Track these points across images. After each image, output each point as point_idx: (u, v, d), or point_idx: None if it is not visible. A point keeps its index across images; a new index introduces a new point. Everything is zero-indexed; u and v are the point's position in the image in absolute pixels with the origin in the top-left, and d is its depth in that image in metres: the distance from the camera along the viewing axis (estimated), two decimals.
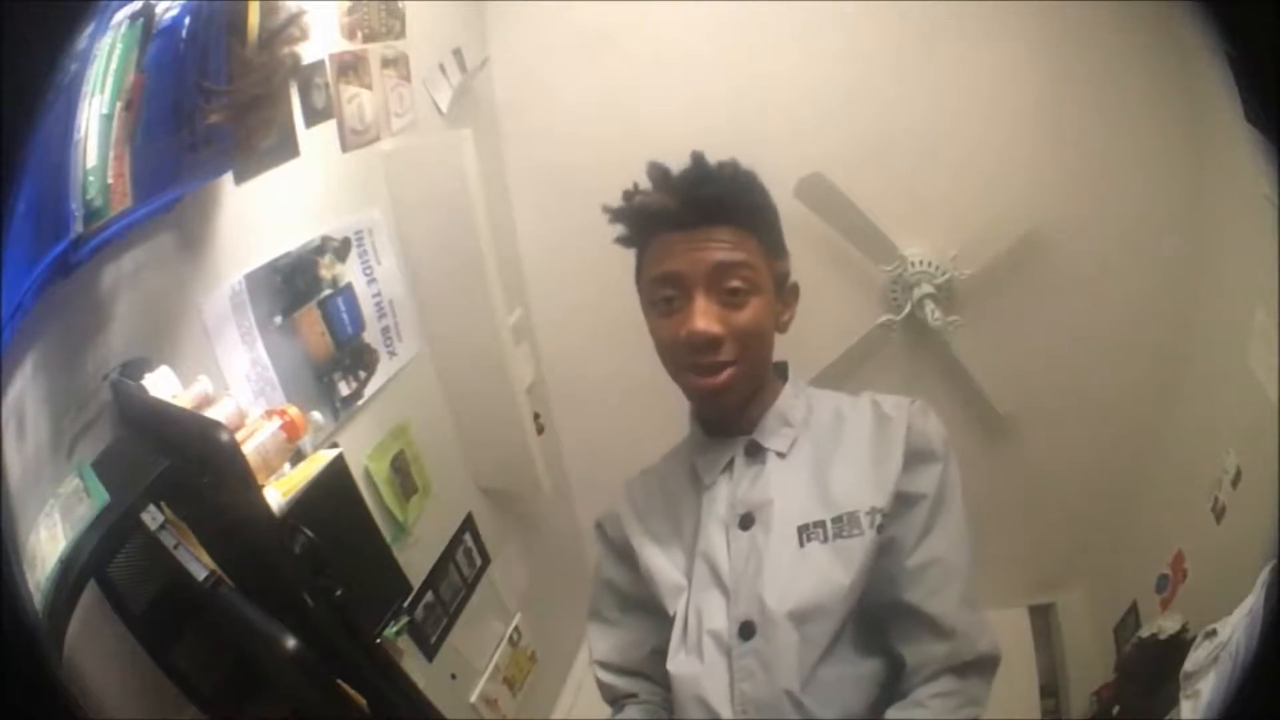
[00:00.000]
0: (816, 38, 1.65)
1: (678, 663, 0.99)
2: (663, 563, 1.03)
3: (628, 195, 0.98)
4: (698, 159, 0.95)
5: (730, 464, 1.02)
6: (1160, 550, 1.41)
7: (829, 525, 0.95)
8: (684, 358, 0.95)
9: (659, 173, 0.96)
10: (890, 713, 0.94)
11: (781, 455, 1.01)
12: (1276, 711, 0.63)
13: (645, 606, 1.06)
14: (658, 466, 1.12)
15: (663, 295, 0.95)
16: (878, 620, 0.97)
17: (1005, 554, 1.79)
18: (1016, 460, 1.83)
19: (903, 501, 0.96)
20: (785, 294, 1.01)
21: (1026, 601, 1.86)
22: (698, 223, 0.94)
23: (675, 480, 1.08)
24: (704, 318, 0.92)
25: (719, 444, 1.04)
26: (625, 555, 1.08)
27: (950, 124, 1.65)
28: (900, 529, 0.95)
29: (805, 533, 0.96)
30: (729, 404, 0.99)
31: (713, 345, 0.93)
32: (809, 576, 0.94)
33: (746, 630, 0.95)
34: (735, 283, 0.93)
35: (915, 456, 0.97)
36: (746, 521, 0.99)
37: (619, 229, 0.99)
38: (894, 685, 0.96)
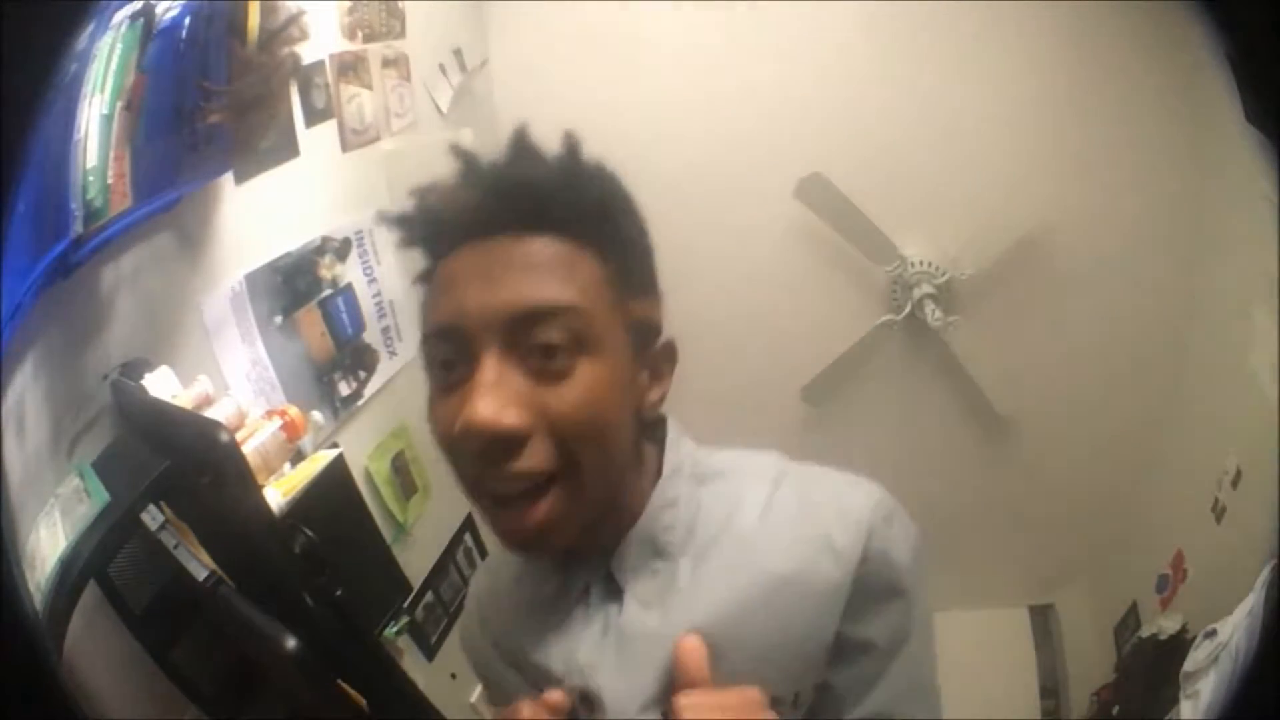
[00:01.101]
0: (817, 38, 1.65)
1: None
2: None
3: (413, 205, 0.64)
4: (517, 135, 0.61)
5: (585, 592, 0.67)
6: (1160, 550, 1.41)
7: None
8: (469, 468, 0.59)
9: (463, 157, 0.62)
10: None
11: (646, 604, 0.65)
12: (1276, 711, 0.63)
13: None
14: (504, 576, 0.75)
15: (440, 358, 0.60)
16: None
17: (1005, 554, 1.79)
18: (1016, 460, 1.83)
19: (844, 647, 0.65)
20: (653, 357, 0.65)
21: (1026, 601, 1.85)
22: (500, 227, 0.59)
23: (522, 600, 0.71)
24: (492, 399, 0.55)
25: (569, 568, 0.67)
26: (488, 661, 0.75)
27: (950, 124, 1.65)
28: (839, 679, 0.66)
29: None
30: (551, 552, 0.65)
31: (508, 446, 0.56)
32: None
33: None
34: (552, 337, 0.57)
35: (868, 593, 0.64)
36: (586, 703, 0.65)
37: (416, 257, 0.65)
38: None
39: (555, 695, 0.61)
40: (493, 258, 0.59)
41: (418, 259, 0.65)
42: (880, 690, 0.67)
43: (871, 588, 0.64)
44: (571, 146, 0.61)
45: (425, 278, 0.64)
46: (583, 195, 0.61)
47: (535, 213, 0.59)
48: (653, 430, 0.69)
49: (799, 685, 0.65)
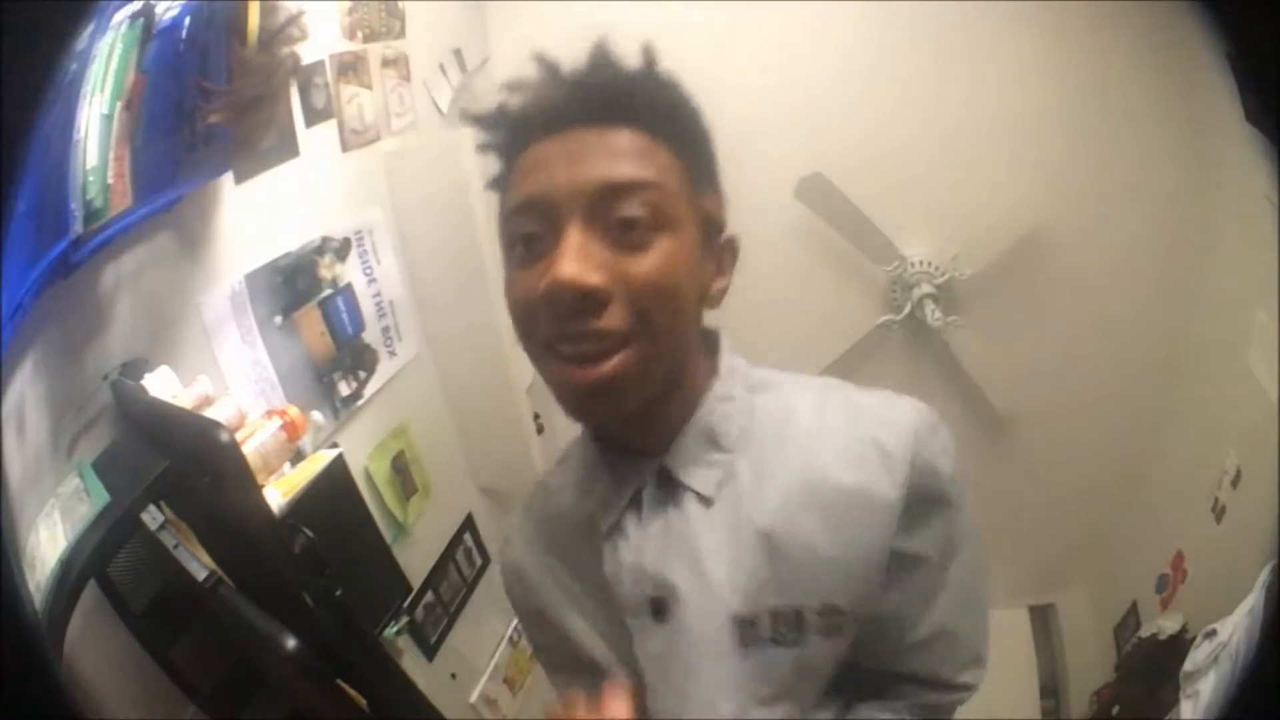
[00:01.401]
0: (817, 38, 1.65)
1: None
2: (584, 638, 0.74)
3: (498, 103, 0.67)
4: (599, 45, 0.66)
5: (637, 499, 0.69)
6: (1160, 550, 1.41)
7: (773, 621, 0.66)
8: (547, 326, 0.62)
9: (546, 64, 0.66)
10: (865, 711, 0.73)
11: (706, 500, 0.67)
12: (1276, 711, 0.63)
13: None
14: (552, 485, 0.79)
15: (523, 231, 0.63)
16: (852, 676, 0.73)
17: (1005, 554, 1.78)
18: (1016, 460, 1.83)
19: (899, 564, 0.67)
20: (718, 250, 0.69)
21: (1026, 601, 1.85)
22: (586, 120, 0.63)
23: (569, 512, 0.75)
24: (577, 259, 0.59)
25: (618, 466, 0.70)
26: (542, 621, 0.78)
27: (951, 124, 1.65)
28: (896, 597, 0.69)
29: (742, 630, 0.66)
30: (616, 409, 0.64)
31: (589, 305, 0.60)
32: (752, 691, 0.67)
33: None
34: (634, 210, 0.61)
35: (918, 505, 0.66)
36: (659, 609, 0.68)
37: (493, 162, 0.68)
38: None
39: (615, 694, 0.63)
40: (577, 144, 0.62)
41: (493, 162, 0.68)
42: (938, 607, 0.70)
43: (921, 498, 0.67)
44: (649, 56, 0.67)
45: (500, 182, 0.67)
46: (660, 95, 0.66)
47: (616, 107, 0.63)
48: (706, 340, 0.72)
49: (856, 597, 0.67)
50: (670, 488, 0.69)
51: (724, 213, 0.70)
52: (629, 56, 0.66)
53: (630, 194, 0.61)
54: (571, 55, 0.66)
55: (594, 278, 0.59)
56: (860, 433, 0.68)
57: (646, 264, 0.61)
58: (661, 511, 0.69)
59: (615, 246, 0.61)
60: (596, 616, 0.74)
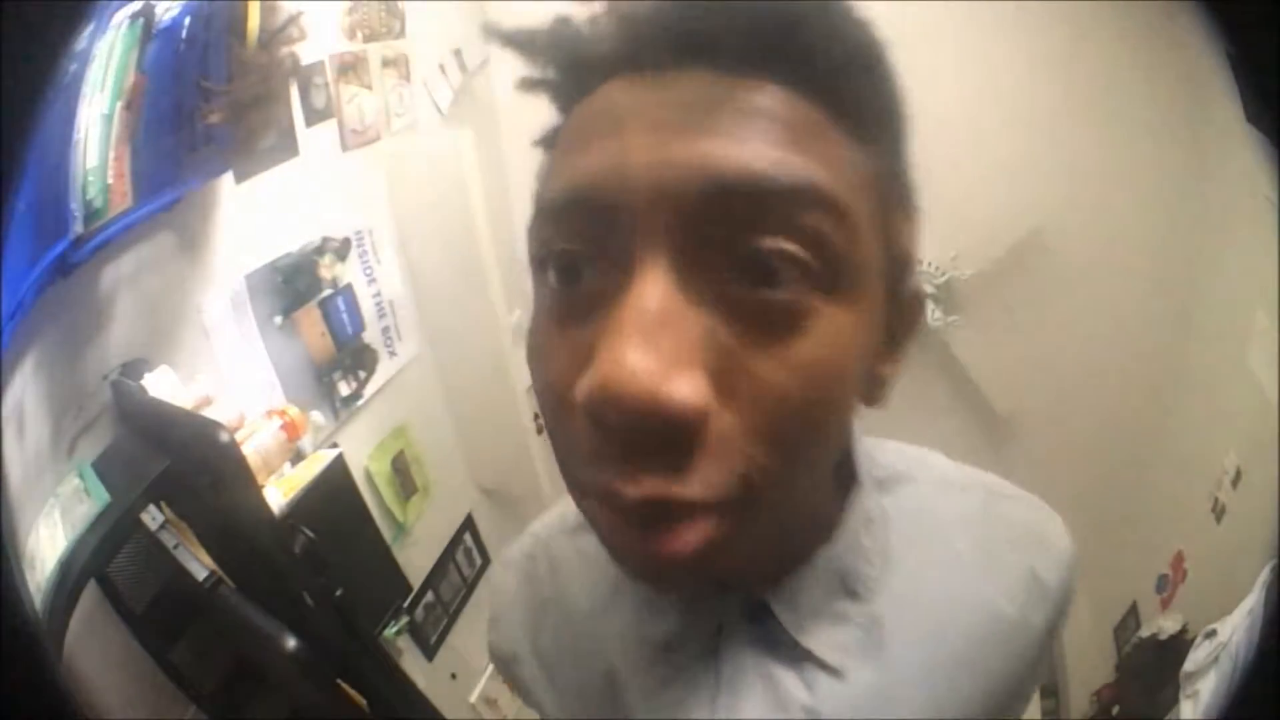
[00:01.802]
0: None
1: None
2: None
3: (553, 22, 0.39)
4: None
5: (718, 634, 0.46)
6: (1160, 550, 1.41)
7: None
8: (588, 457, 0.37)
9: None
10: None
11: (835, 673, 0.45)
12: (1276, 711, 0.63)
13: None
14: (571, 572, 0.54)
15: (557, 249, 0.40)
16: None
17: None
18: (1016, 460, 1.82)
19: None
20: (902, 308, 0.46)
21: None
22: (693, 57, 0.34)
23: (601, 624, 0.51)
24: (651, 343, 0.32)
25: (692, 604, 0.46)
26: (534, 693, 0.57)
27: (949, 124, 1.65)
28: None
29: None
30: (696, 584, 0.43)
31: (670, 439, 0.33)
32: None
33: None
34: (781, 241, 0.34)
35: (1053, 632, 0.51)
36: None
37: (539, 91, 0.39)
38: None
39: None
40: (677, 96, 0.33)
41: (544, 109, 0.40)
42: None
43: (1057, 629, 0.47)
44: None
45: (551, 141, 0.39)
46: (835, 32, 0.37)
47: (754, 41, 0.33)
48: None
49: None
50: (770, 634, 0.45)
51: (917, 246, 0.39)
52: None
53: (778, 209, 0.33)
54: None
55: (685, 391, 0.32)
56: (1018, 558, 0.49)
57: (789, 367, 0.33)
58: (759, 667, 0.44)
59: (737, 321, 0.33)
60: None
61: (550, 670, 0.52)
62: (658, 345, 0.30)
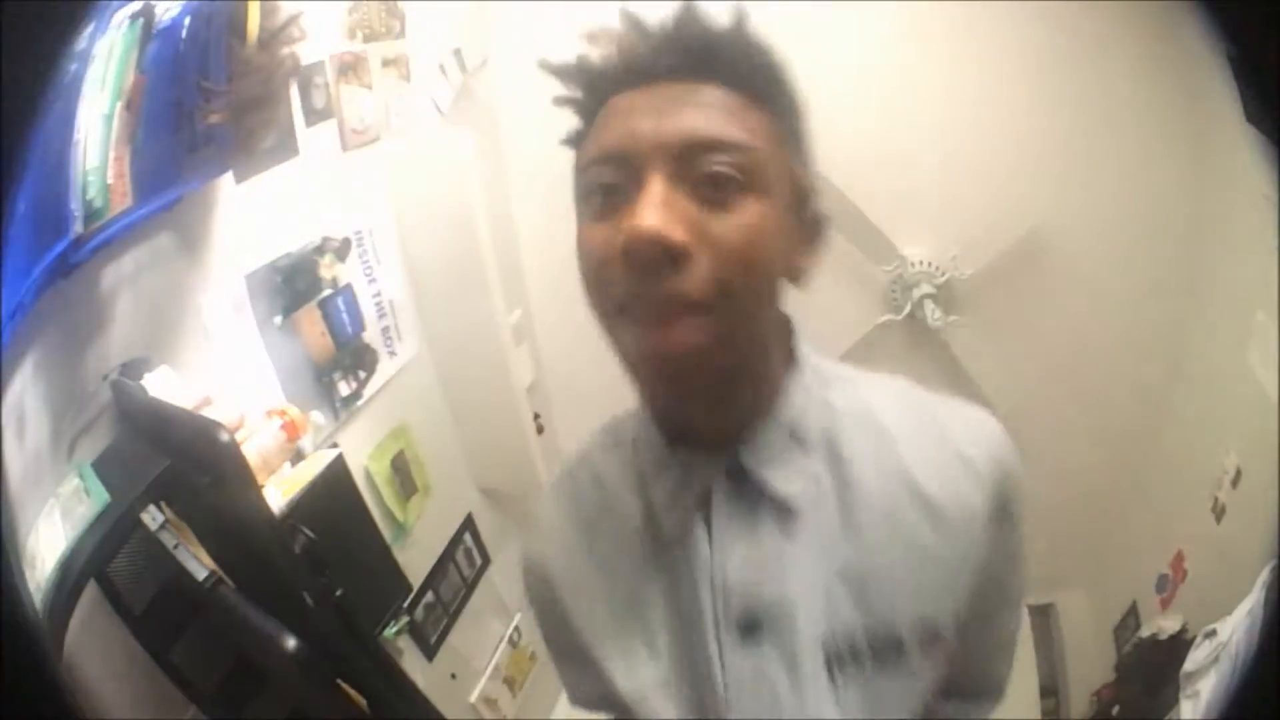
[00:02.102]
0: (815, 38, 1.65)
1: None
2: (614, 665, 0.65)
3: (579, 55, 0.63)
4: (687, 4, 0.60)
5: (706, 499, 0.62)
6: (1160, 550, 1.41)
7: (867, 648, 0.60)
8: (621, 285, 0.55)
9: (630, 18, 0.61)
10: None
11: (791, 512, 0.61)
12: (1276, 711, 0.63)
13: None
14: (595, 465, 0.71)
15: (601, 181, 0.58)
16: None
17: None
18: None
19: (979, 585, 0.64)
20: (806, 222, 0.64)
21: (1026, 601, 1.85)
22: (673, 72, 0.58)
23: (620, 505, 0.67)
24: (659, 211, 0.53)
25: (684, 461, 0.63)
26: (558, 622, 0.71)
27: (950, 124, 1.65)
28: (969, 616, 0.64)
29: (836, 661, 0.60)
30: (695, 383, 0.58)
31: (670, 262, 0.54)
32: None
33: None
34: (720, 166, 0.56)
35: (1002, 512, 0.63)
36: (749, 626, 0.61)
37: (571, 115, 0.63)
38: None
39: None
40: (665, 95, 0.58)
41: (571, 117, 0.63)
42: (1007, 613, 0.71)
43: (1000, 516, 0.63)
44: (740, 15, 0.61)
45: (578, 137, 0.62)
46: (756, 54, 0.61)
47: (707, 62, 0.58)
48: (781, 328, 0.66)
49: (949, 614, 0.62)
50: (748, 489, 0.62)
51: (815, 186, 0.65)
52: (719, 14, 0.60)
53: (719, 150, 0.56)
54: (657, 10, 0.61)
55: (677, 232, 0.53)
56: (948, 446, 0.64)
57: (733, 225, 0.55)
58: (741, 517, 0.62)
59: (701, 203, 0.55)
60: (647, 631, 0.65)
61: (590, 545, 0.69)
62: (659, 212, 0.54)
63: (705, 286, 0.54)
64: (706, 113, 0.57)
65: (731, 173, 0.56)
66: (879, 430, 0.64)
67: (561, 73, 0.63)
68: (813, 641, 0.60)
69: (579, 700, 0.75)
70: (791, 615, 0.60)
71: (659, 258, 0.53)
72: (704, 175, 0.55)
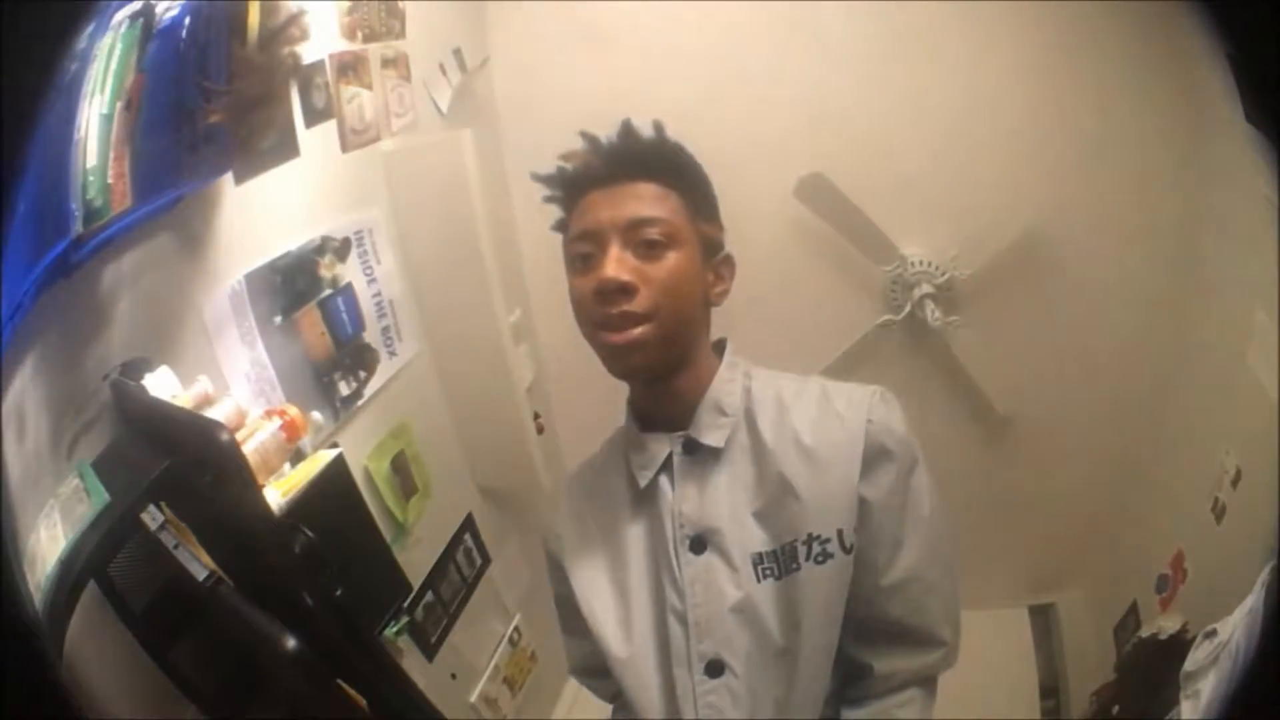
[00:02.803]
0: (816, 38, 1.65)
1: (636, 692, 0.94)
2: (598, 603, 0.97)
3: (558, 167, 0.95)
4: (625, 123, 0.92)
5: (668, 463, 0.94)
6: (1160, 550, 1.41)
7: (781, 557, 0.89)
8: (595, 311, 0.88)
9: (589, 139, 0.93)
10: (848, 713, 0.92)
11: (717, 452, 0.92)
12: (1276, 711, 0.63)
13: None
14: (596, 461, 1.05)
15: (580, 252, 0.90)
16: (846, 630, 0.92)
17: (1005, 554, 1.79)
18: (1016, 460, 1.83)
19: (867, 511, 0.89)
20: (717, 264, 0.94)
21: (1026, 601, 1.85)
22: (618, 178, 0.90)
23: (614, 478, 1.00)
24: (615, 265, 0.86)
25: (653, 439, 0.95)
26: (566, 576, 1.02)
27: (950, 124, 1.65)
28: (867, 543, 0.90)
29: (759, 566, 0.90)
30: (642, 364, 0.90)
31: (624, 292, 0.86)
32: (774, 614, 0.89)
33: (714, 668, 0.90)
34: (652, 234, 0.87)
35: (872, 459, 0.89)
36: (698, 545, 0.92)
37: (555, 208, 0.95)
38: (847, 687, 0.94)
39: None
40: (614, 194, 0.90)
41: (556, 210, 0.95)
42: (905, 553, 0.90)
43: (875, 454, 0.89)
44: (659, 128, 0.93)
45: (562, 225, 0.94)
46: (668, 157, 0.92)
47: (639, 167, 0.91)
48: (716, 346, 0.97)
49: (837, 529, 0.88)
50: (695, 451, 0.93)
51: (721, 236, 0.95)
52: (645, 129, 0.92)
53: (650, 224, 0.88)
54: (606, 130, 0.92)
55: (626, 275, 0.86)
56: (828, 406, 0.93)
57: (662, 269, 0.88)
58: (690, 470, 0.94)
59: (641, 258, 0.88)
60: (629, 561, 0.96)
61: (592, 507, 1.01)
62: (615, 266, 0.87)
63: (646, 306, 0.87)
64: (640, 202, 0.89)
65: (659, 238, 0.88)
66: (780, 405, 0.94)
67: (549, 182, 0.95)
68: (741, 552, 0.91)
69: (575, 668, 1.09)
70: (723, 535, 0.91)
71: (617, 291, 0.86)
72: (642, 240, 0.88)
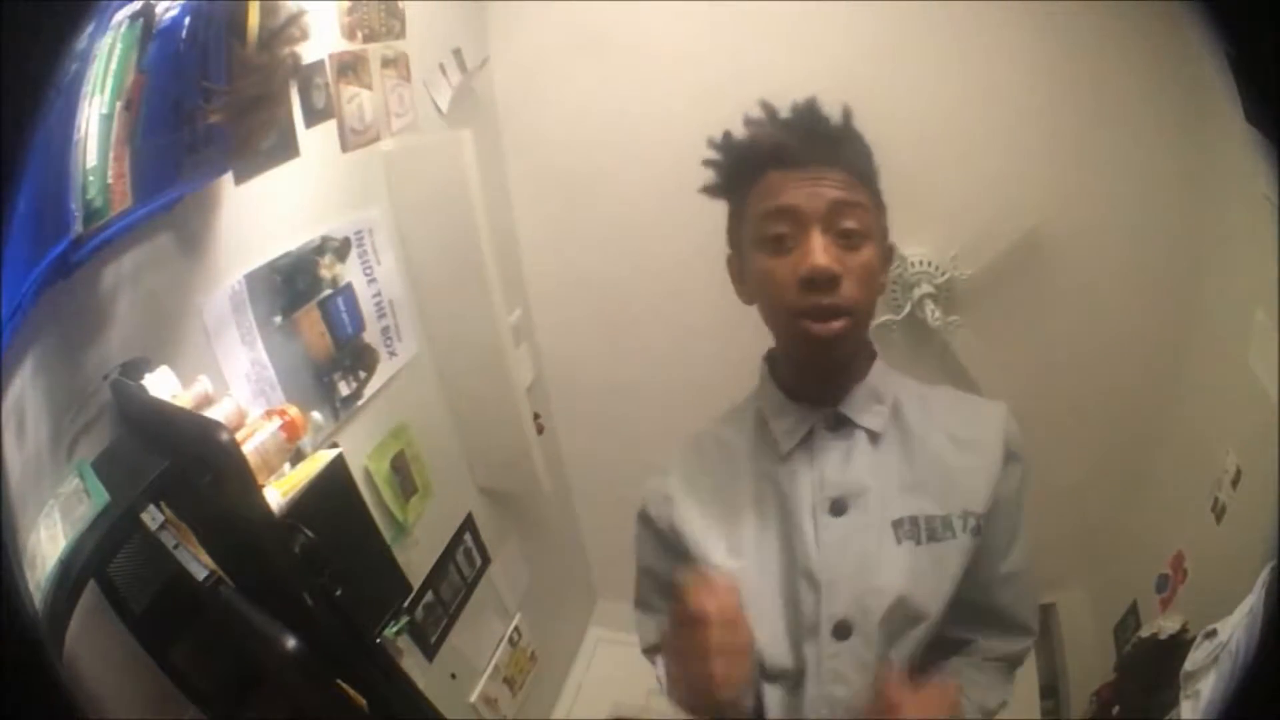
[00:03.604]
0: (815, 38, 1.65)
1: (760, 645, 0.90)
2: (713, 545, 0.95)
3: (728, 135, 0.93)
4: (811, 103, 0.91)
5: (810, 435, 0.95)
6: (1160, 550, 1.41)
7: (923, 524, 0.91)
8: (801, 299, 0.87)
9: (769, 110, 0.92)
10: (957, 661, 0.96)
11: (874, 436, 0.94)
12: (1276, 711, 0.63)
13: None
14: (717, 431, 1.03)
15: (774, 232, 0.88)
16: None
17: None
18: None
19: (996, 504, 0.93)
20: (887, 252, 0.95)
21: None
22: (813, 161, 0.88)
23: (739, 444, 1.00)
24: (823, 254, 0.85)
25: (800, 409, 0.95)
26: (666, 542, 0.99)
27: (950, 124, 1.65)
28: (993, 533, 0.93)
29: (900, 529, 0.91)
30: (837, 357, 0.91)
31: (832, 284, 0.85)
32: (908, 578, 0.90)
33: (842, 630, 0.90)
34: (851, 224, 0.87)
35: (1008, 459, 0.94)
36: (839, 507, 0.92)
37: (711, 174, 0.94)
38: (941, 655, 0.96)
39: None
40: (809, 177, 0.88)
41: (716, 183, 0.94)
42: (1018, 546, 0.96)
43: (1010, 454, 0.94)
44: (847, 115, 0.92)
45: (736, 193, 0.93)
46: (860, 147, 0.92)
47: (834, 154, 0.89)
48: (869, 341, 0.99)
49: (978, 509, 0.92)
50: (842, 427, 0.95)
51: (887, 226, 0.95)
52: (833, 114, 0.91)
53: (850, 211, 0.87)
54: (786, 105, 0.91)
55: (835, 266, 0.86)
56: (972, 409, 0.99)
57: (860, 260, 0.88)
58: (835, 445, 0.94)
59: (840, 247, 0.87)
60: (732, 528, 0.96)
61: (708, 476, 1.00)
62: (824, 254, 0.86)
63: (848, 299, 0.87)
64: (839, 189, 0.87)
65: (858, 227, 0.88)
66: (923, 399, 0.98)
67: (724, 148, 0.93)
68: (884, 518, 0.91)
69: (650, 645, 1.03)
70: (868, 497, 0.92)
71: (826, 282, 0.86)
72: (842, 229, 0.87)
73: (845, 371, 0.94)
